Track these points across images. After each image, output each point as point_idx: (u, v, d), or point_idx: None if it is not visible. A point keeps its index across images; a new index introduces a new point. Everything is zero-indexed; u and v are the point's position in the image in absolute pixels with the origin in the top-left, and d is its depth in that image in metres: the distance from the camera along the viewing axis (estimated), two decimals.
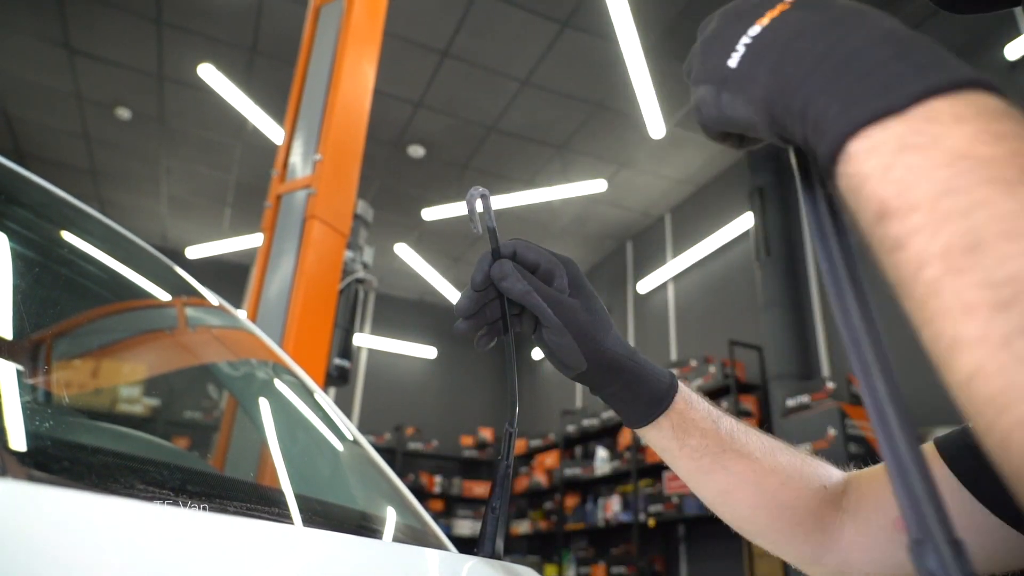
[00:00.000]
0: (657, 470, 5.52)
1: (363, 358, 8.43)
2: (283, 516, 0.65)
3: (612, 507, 5.92)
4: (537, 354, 8.57)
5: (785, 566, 3.89)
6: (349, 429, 1.03)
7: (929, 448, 0.60)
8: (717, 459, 0.62)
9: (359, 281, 3.05)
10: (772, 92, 0.34)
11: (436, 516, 7.24)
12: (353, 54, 2.64)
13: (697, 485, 0.65)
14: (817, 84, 0.32)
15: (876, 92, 0.29)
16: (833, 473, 0.65)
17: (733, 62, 0.37)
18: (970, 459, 0.56)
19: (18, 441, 0.47)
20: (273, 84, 5.12)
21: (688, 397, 0.62)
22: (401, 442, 7.69)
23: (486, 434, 8.22)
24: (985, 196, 0.25)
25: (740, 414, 4.63)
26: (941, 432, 0.63)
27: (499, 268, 0.54)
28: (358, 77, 2.67)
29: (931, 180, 0.26)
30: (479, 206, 0.55)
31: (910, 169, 0.27)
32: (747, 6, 0.39)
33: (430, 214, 6.41)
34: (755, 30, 0.37)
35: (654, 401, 0.61)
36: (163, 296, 1.03)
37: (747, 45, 0.37)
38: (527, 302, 0.55)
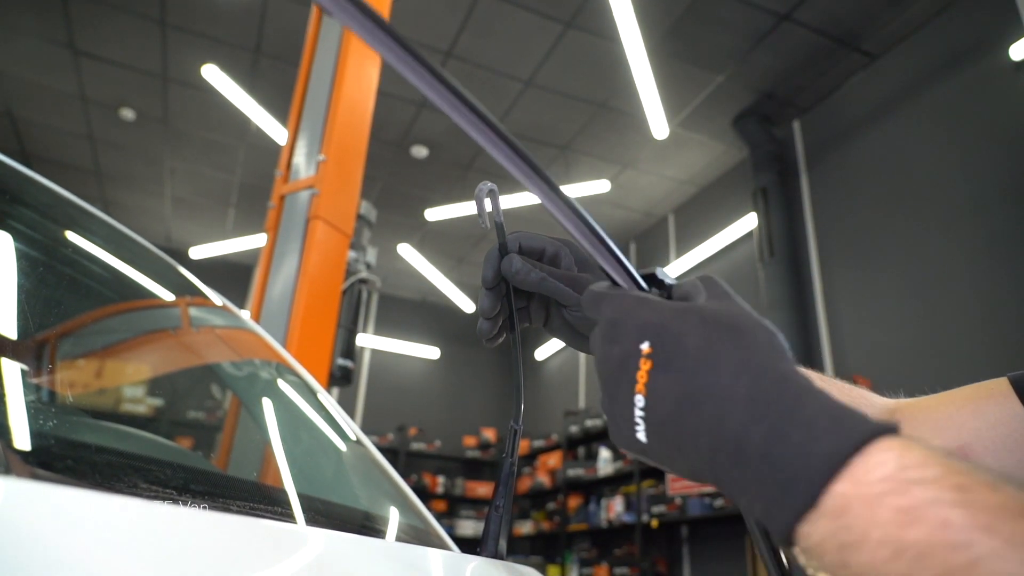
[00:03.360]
0: (660, 471, 5.51)
1: (366, 358, 8.43)
2: (286, 515, 0.65)
3: (615, 508, 5.91)
4: (541, 354, 8.57)
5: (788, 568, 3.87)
6: (352, 429, 1.03)
7: (1003, 383, 0.61)
8: None
9: (362, 281, 3.05)
10: (695, 475, 0.35)
11: (439, 516, 7.24)
12: (357, 55, 2.64)
13: None
14: (727, 483, 0.33)
15: (780, 497, 0.30)
16: (875, 401, 0.65)
17: (642, 436, 0.37)
18: None
19: (22, 440, 0.48)
20: (277, 85, 5.13)
21: None
22: (404, 442, 7.69)
23: (489, 434, 8.21)
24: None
25: None
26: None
27: (509, 263, 0.55)
28: (361, 78, 2.68)
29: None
30: (488, 203, 0.55)
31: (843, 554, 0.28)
32: (619, 358, 0.38)
33: (433, 215, 6.41)
34: (640, 400, 0.37)
35: None
36: (167, 296, 1.03)
37: (643, 419, 0.37)
38: (544, 288, 0.55)
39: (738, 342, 0.34)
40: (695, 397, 0.34)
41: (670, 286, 0.44)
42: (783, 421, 0.31)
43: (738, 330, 0.35)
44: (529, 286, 0.55)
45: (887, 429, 0.29)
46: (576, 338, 0.58)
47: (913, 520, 0.26)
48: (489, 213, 0.56)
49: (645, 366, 0.36)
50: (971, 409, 0.62)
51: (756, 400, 0.32)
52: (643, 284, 0.44)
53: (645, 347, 0.37)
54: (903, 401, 0.67)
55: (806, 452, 0.29)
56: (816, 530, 0.29)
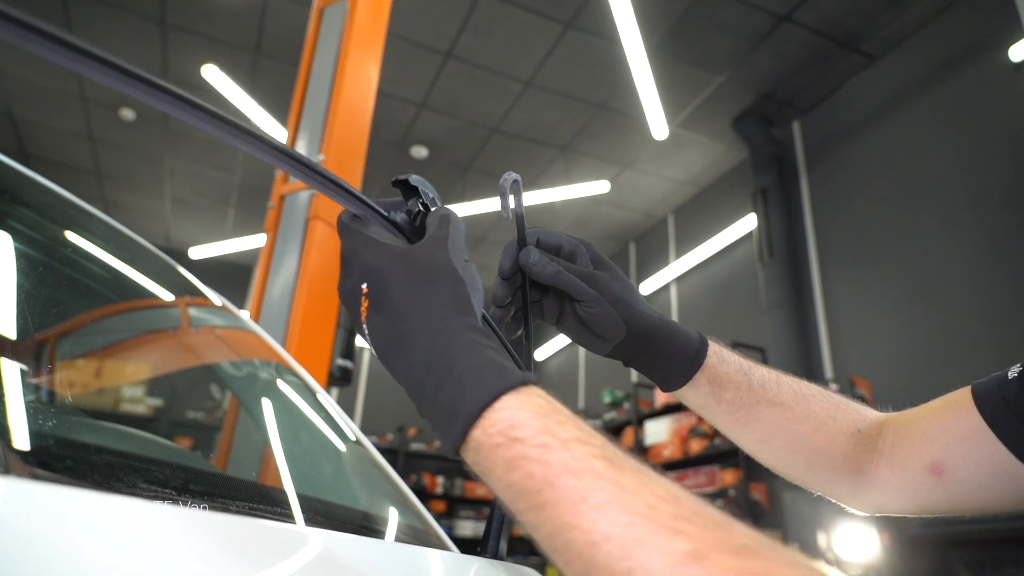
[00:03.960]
0: None
1: (366, 359, 8.43)
2: (285, 516, 0.65)
3: None
4: (541, 354, 8.57)
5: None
6: (351, 429, 1.03)
7: (966, 395, 0.61)
8: (752, 410, 0.64)
9: None
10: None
11: (438, 517, 7.22)
12: (356, 55, 2.64)
13: (736, 436, 0.67)
14: (421, 410, 0.40)
15: (446, 431, 0.37)
16: (868, 416, 0.67)
17: (376, 352, 0.43)
18: (1007, 414, 0.57)
19: (22, 440, 0.48)
20: (277, 85, 5.13)
21: (720, 352, 0.64)
22: (403, 443, 7.68)
23: None
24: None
25: None
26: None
27: (527, 254, 0.56)
28: (361, 78, 2.68)
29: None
30: (512, 200, 0.56)
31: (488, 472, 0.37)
32: (349, 290, 0.44)
33: None
34: (366, 328, 0.43)
35: (689, 359, 0.62)
36: (166, 296, 1.03)
37: (371, 340, 0.43)
38: (559, 281, 0.56)
39: (429, 298, 0.40)
40: (394, 340, 0.41)
41: (432, 198, 0.49)
42: (445, 375, 0.38)
43: (432, 285, 0.41)
44: (545, 279, 0.56)
45: (510, 387, 0.36)
46: (588, 336, 0.59)
47: (512, 468, 0.35)
48: (514, 210, 0.56)
49: (365, 303, 0.42)
50: (940, 424, 0.62)
51: (430, 354, 0.39)
52: (384, 213, 0.47)
53: (365, 287, 0.42)
54: (891, 415, 0.67)
55: (456, 403, 0.37)
56: (468, 457, 0.38)
